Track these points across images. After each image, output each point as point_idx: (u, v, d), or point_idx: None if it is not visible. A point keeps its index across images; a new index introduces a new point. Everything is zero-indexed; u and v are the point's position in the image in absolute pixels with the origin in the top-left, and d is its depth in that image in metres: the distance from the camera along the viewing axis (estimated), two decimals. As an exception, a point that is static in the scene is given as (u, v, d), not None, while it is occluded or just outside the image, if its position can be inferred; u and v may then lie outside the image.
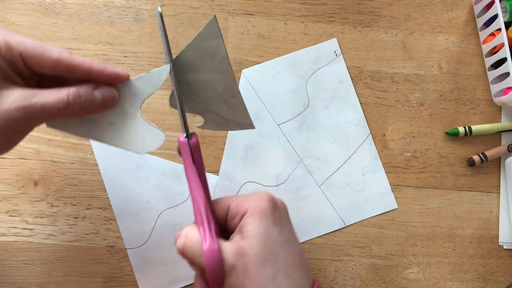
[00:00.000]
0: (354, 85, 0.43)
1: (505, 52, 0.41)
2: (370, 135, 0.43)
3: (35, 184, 0.41)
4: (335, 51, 0.43)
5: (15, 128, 0.28)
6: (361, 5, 0.45)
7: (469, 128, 0.43)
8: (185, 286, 0.40)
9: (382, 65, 0.44)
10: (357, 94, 0.43)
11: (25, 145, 0.41)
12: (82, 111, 0.30)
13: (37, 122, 0.29)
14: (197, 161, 0.30)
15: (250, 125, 0.33)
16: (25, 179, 0.41)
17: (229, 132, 0.42)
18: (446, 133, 0.43)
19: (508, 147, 0.43)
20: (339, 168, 0.42)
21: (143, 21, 0.43)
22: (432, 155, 0.43)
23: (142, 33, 0.43)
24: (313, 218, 0.41)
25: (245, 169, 0.41)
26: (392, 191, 0.43)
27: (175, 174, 0.41)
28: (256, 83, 0.42)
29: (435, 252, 0.42)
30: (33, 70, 0.30)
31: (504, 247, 0.43)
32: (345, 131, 0.43)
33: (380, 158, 0.43)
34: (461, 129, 0.43)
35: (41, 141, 0.41)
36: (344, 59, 0.44)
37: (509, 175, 0.42)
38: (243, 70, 0.43)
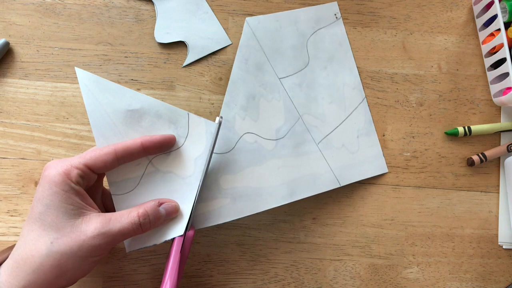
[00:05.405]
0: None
1: (504, 52, 0.41)
2: (365, 99, 0.44)
3: (36, 184, 0.41)
4: (335, 14, 0.44)
5: (97, 253, 0.31)
6: (360, 5, 0.45)
7: (469, 128, 0.43)
8: (173, 239, 0.35)
9: (382, 65, 0.44)
10: (354, 58, 0.44)
11: (25, 145, 0.41)
12: (151, 227, 0.33)
13: (114, 244, 0.32)
14: (184, 252, 0.34)
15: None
16: (26, 179, 0.41)
17: (231, 78, 0.41)
18: (446, 133, 0.44)
19: (507, 147, 0.43)
20: (335, 128, 0.43)
21: (144, 22, 0.43)
22: (432, 155, 0.44)
23: (143, 33, 0.43)
24: (310, 176, 0.41)
25: (245, 119, 0.41)
26: (394, 190, 0.43)
27: (170, 117, 0.37)
28: (259, 34, 0.43)
29: (435, 251, 0.42)
30: (99, 173, 0.33)
31: (504, 246, 0.43)
32: (342, 93, 0.43)
33: (380, 158, 0.43)
34: (460, 129, 0.43)
35: (41, 141, 0.41)
36: (343, 59, 0.44)
37: (508, 175, 0.43)
38: (246, 18, 0.43)
